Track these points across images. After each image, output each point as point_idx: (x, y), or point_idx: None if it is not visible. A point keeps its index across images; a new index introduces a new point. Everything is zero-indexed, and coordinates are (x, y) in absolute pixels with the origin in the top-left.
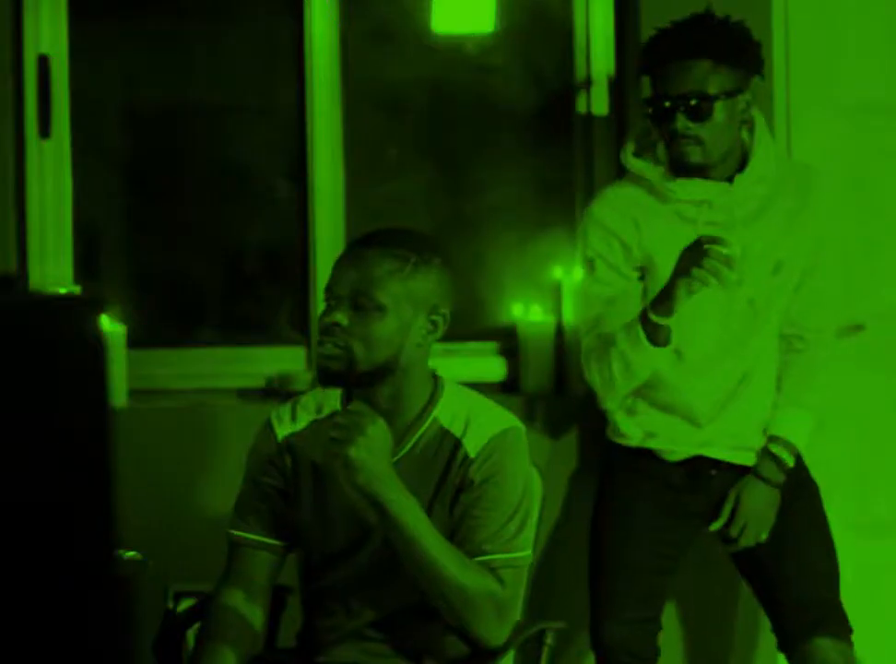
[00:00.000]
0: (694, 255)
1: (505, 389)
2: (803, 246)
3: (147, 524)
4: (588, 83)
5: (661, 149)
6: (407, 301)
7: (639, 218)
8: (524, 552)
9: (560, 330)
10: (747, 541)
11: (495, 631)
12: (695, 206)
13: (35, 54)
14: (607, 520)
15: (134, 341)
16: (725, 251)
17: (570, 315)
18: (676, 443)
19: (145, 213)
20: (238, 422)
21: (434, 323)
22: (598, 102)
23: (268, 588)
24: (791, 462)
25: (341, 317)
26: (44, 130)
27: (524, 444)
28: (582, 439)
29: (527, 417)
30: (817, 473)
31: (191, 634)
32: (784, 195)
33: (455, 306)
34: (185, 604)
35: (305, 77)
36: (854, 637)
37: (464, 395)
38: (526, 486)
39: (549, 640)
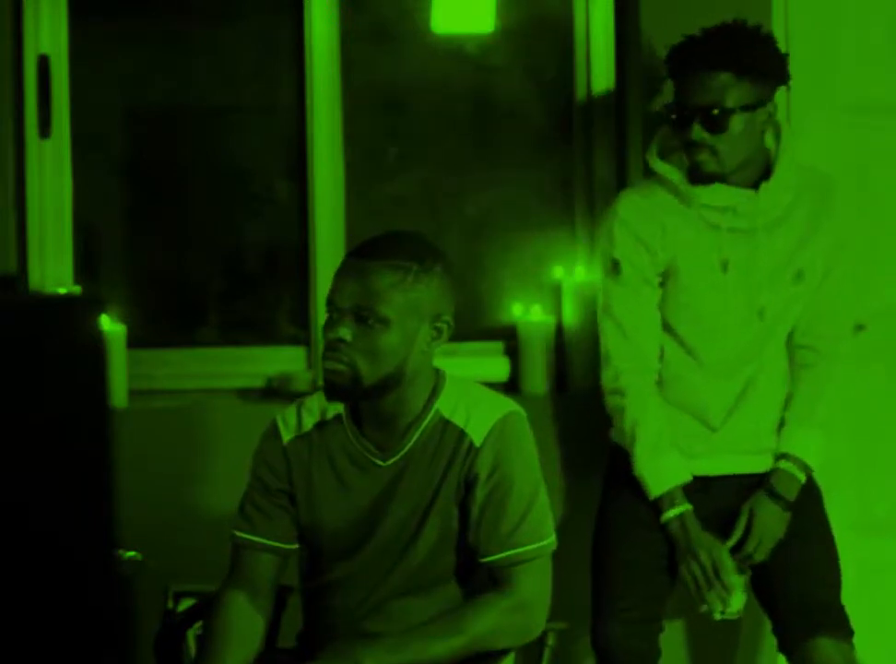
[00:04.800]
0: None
1: (505, 389)
2: (822, 254)
3: (147, 524)
4: (588, 83)
5: (677, 157)
6: (411, 311)
7: (665, 221)
8: (550, 538)
9: (560, 330)
10: (760, 557)
11: (530, 633)
12: (719, 212)
13: (35, 54)
14: (609, 522)
15: (134, 341)
16: (731, 581)
17: (570, 315)
18: (688, 445)
19: (145, 213)
20: (238, 422)
21: (438, 330)
22: (598, 102)
23: (272, 590)
24: (802, 478)
25: (345, 332)
26: (44, 130)
27: (527, 427)
28: (582, 439)
29: (527, 417)
30: (817, 473)
31: (191, 634)
32: (805, 203)
33: (456, 307)
34: (185, 604)
35: (305, 77)
36: (854, 637)
37: (463, 385)
38: (538, 470)
39: (551, 641)
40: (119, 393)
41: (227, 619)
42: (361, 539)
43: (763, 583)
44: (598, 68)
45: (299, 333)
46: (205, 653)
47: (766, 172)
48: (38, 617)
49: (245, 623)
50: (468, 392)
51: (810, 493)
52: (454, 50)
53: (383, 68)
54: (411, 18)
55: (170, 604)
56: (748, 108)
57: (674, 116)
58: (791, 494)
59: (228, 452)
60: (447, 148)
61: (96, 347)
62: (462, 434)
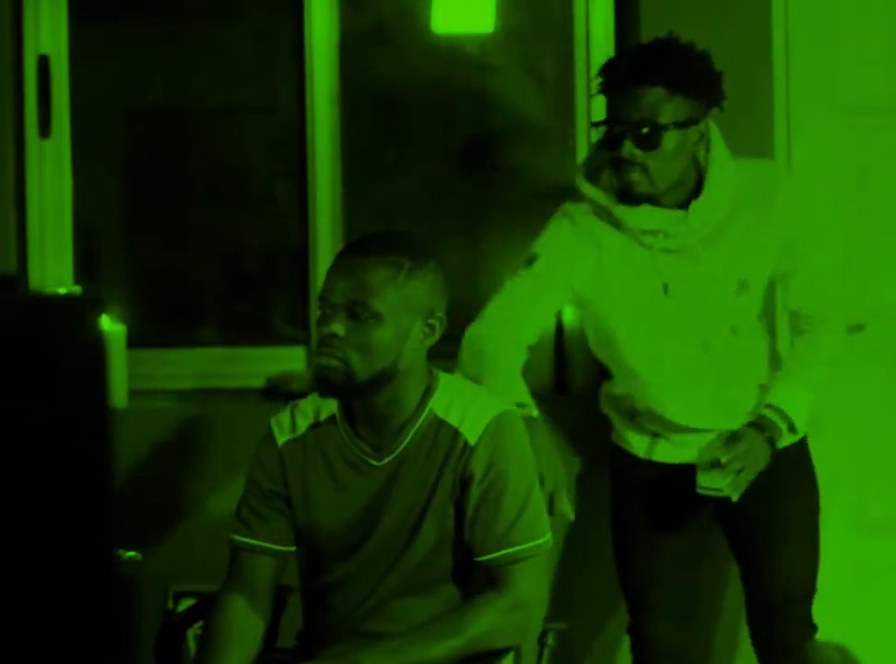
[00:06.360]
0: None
1: None
2: (768, 257)
3: (147, 524)
4: (588, 83)
5: (606, 175)
6: (404, 307)
7: (602, 238)
8: (546, 537)
9: (560, 330)
10: (737, 491)
11: (528, 632)
12: (651, 234)
13: (35, 54)
14: (626, 533)
15: (134, 341)
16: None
17: (570, 316)
18: (679, 445)
19: (145, 213)
20: (238, 422)
21: (431, 326)
22: (598, 103)
23: (270, 592)
24: (784, 429)
25: (338, 328)
26: (44, 130)
27: (521, 426)
28: (582, 439)
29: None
30: (817, 473)
31: (191, 634)
32: (745, 209)
33: (455, 306)
34: (185, 604)
35: (305, 77)
36: (854, 637)
37: (456, 384)
38: (533, 468)
39: (550, 641)
40: (119, 393)
41: (225, 622)
42: (359, 539)
43: (746, 566)
44: (598, 69)
45: (298, 333)
46: (203, 656)
47: (697, 189)
48: (39, 617)
49: (244, 626)
50: (462, 391)
51: (808, 487)
52: (454, 50)
53: (383, 68)
54: (411, 18)
55: (171, 604)
56: (681, 125)
57: (604, 134)
58: (774, 435)
59: (227, 452)
60: (447, 148)
61: (96, 347)
62: (456, 433)
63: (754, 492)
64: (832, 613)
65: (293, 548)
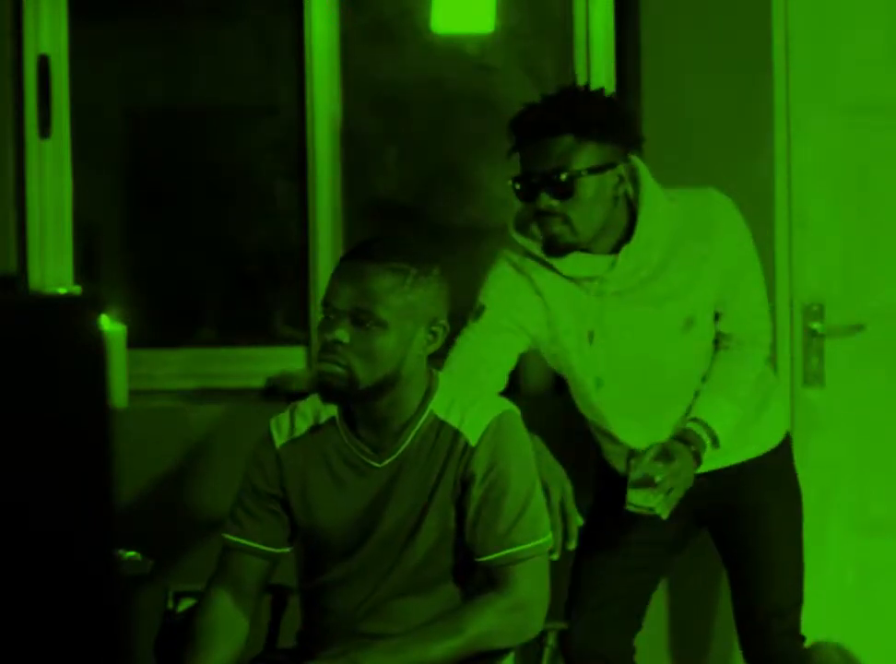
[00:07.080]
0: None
1: (506, 389)
2: (712, 290)
3: (147, 524)
4: (588, 83)
5: (535, 227)
6: (408, 315)
7: (543, 284)
8: (546, 537)
9: None
10: (667, 508)
11: (529, 633)
12: (586, 280)
13: (35, 54)
14: (592, 530)
15: (134, 341)
16: (648, 504)
17: None
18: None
19: (145, 213)
20: (238, 422)
21: (434, 333)
22: None
23: (258, 592)
24: (708, 443)
25: (342, 334)
26: (44, 130)
27: (522, 426)
28: (581, 439)
29: (527, 417)
30: (817, 473)
31: None
32: (685, 243)
33: (455, 308)
34: (185, 604)
35: (305, 77)
36: (853, 637)
37: (455, 385)
38: (534, 468)
39: (550, 640)
40: (119, 393)
41: (211, 617)
42: (359, 540)
43: (733, 577)
44: (598, 68)
45: (298, 333)
46: (189, 650)
47: (632, 228)
48: (38, 617)
49: (229, 622)
50: (462, 392)
51: (789, 494)
52: (454, 50)
53: (382, 68)
54: (411, 18)
55: (171, 604)
56: (595, 170)
57: (519, 187)
58: (699, 449)
59: (227, 452)
60: (447, 147)
61: (96, 347)
62: (457, 434)
63: (735, 507)
64: (832, 613)
65: (286, 549)
